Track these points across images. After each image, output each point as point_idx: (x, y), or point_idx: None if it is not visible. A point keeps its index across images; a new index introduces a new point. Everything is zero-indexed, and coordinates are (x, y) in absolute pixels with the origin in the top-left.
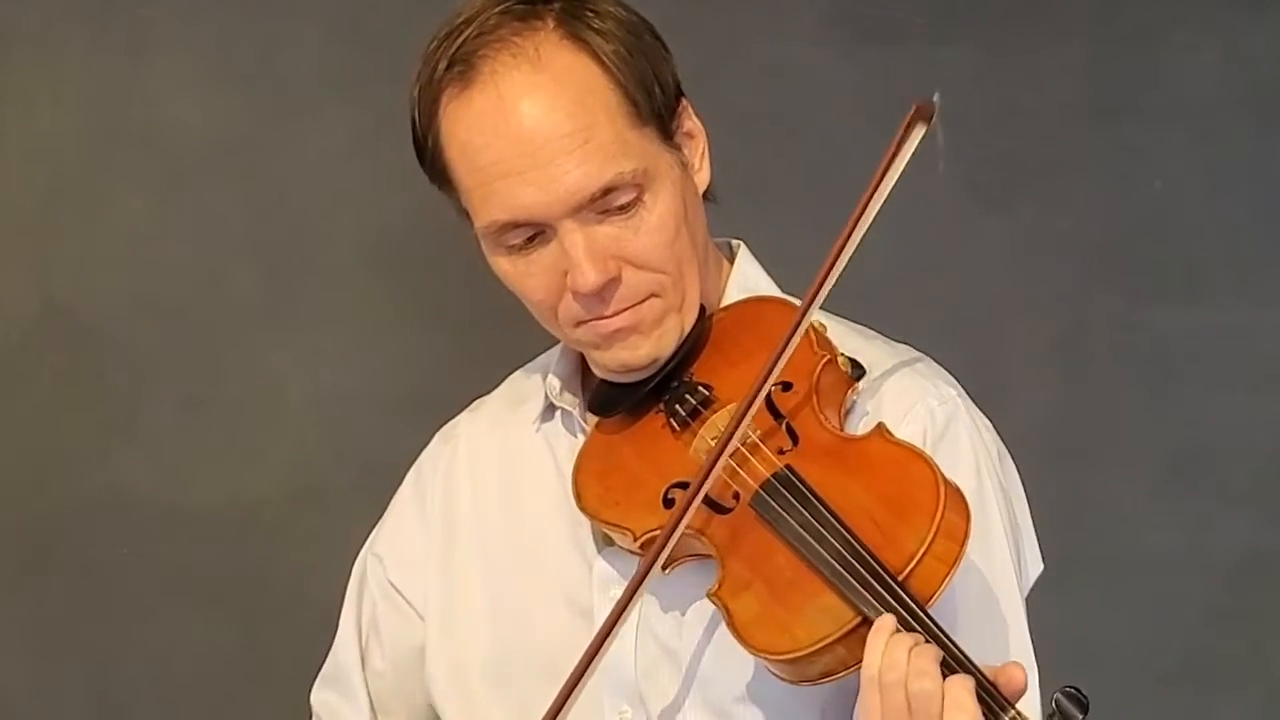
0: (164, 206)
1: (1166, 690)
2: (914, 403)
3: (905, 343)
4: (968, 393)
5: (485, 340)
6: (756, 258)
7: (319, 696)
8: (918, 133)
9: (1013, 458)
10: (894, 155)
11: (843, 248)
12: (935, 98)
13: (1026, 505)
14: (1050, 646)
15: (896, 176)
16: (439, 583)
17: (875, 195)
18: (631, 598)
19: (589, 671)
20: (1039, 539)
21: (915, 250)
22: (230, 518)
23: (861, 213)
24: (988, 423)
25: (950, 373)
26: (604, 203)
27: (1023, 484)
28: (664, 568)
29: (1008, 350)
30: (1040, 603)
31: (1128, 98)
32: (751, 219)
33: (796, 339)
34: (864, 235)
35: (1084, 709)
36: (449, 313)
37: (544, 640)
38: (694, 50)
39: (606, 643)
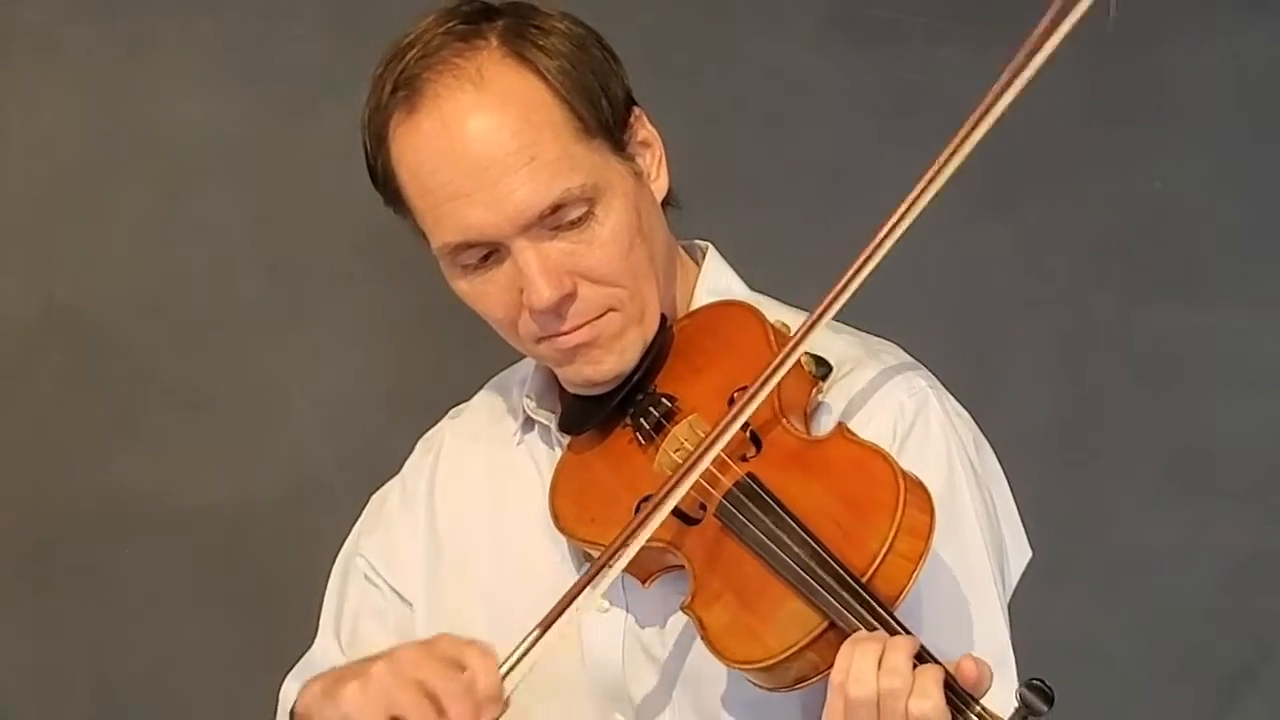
0: (164, 206)
1: (1166, 690)
2: (883, 396)
3: (887, 338)
4: (969, 392)
5: (485, 340)
6: (752, 256)
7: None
8: None
9: (1013, 458)
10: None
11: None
12: None
13: (1009, 494)
14: (1050, 646)
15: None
16: (426, 590)
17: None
18: (578, 593)
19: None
20: (1040, 538)
21: (915, 251)
22: (230, 518)
23: (987, 114)
24: (962, 411)
25: (951, 372)
26: (555, 219)
27: (1024, 483)
28: (643, 581)
29: (1008, 350)
30: (1040, 602)
31: (1128, 98)
32: (748, 218)
33: (781, 374)
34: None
35: (1049, 700)
36: (448, 313)
37: None
38: (693, 51)
39: (554, 622)
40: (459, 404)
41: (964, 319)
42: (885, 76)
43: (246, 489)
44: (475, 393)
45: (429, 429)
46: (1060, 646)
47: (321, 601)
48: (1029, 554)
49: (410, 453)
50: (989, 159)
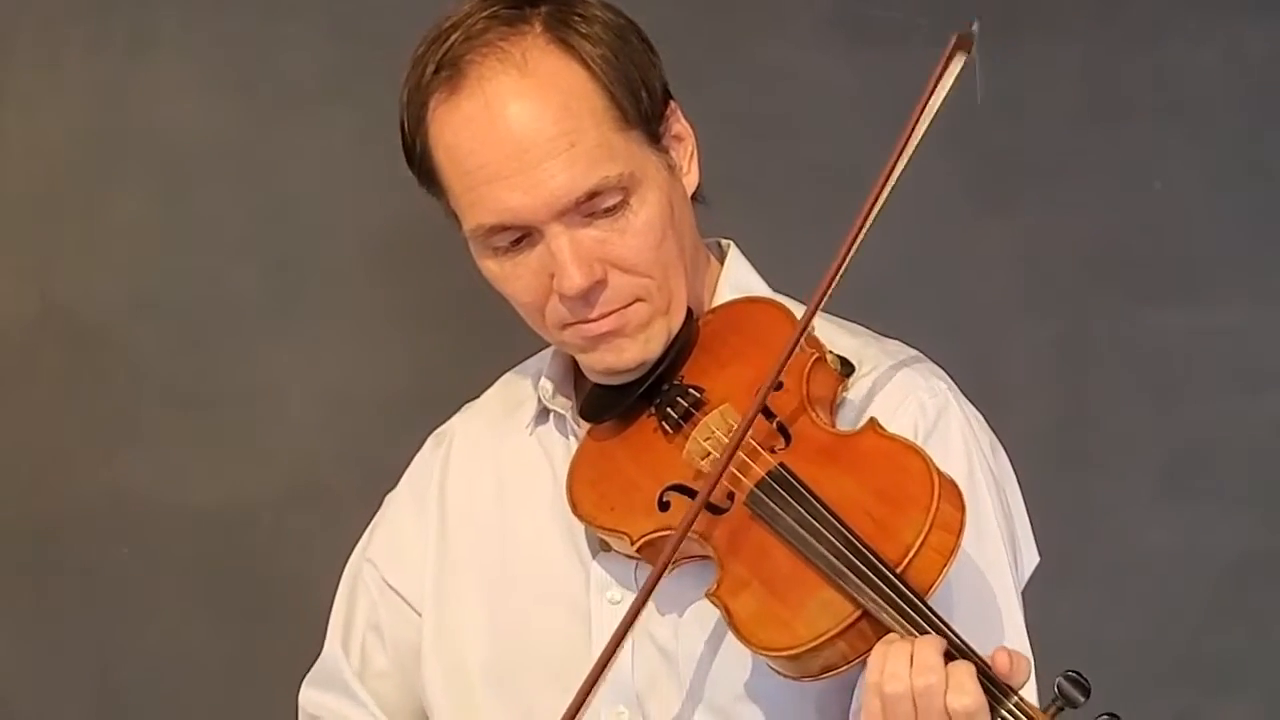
0: (164, 206)
1: (1166, 690)
2: (904, 397)
3: (898, 339)
4: (969, 393)
5: (485, 340)
6: (756, 258)
7: (315, 697)
8: (958, 62)
9: (1013, 458)
10: (935, 85)
11: (864, 224)
12: (974, 26)
13: (1020, 497)
14: (1051, 646)
15: (935, 110)
16: (435, 585)
17: (916, 129)
18: (638, 613)
19: (596, 688)
20: (1039, 538)
21: (916, 251)
22: (230, 518)
23: (898, 158)
24: (978, 415)
25: (951, 373)
26: (590, 206)
27: (1023, 484)
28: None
29: (1008, 350)
30: (1040, 602)
31: (1128, 98)
32: (751, 219)
33: (801, 340)
34: (870, 231)
35: (1086, 692)
36: (449, 313)
37: (543, 644)
38: (694, 50)
39: (614, 658)
40: (462, 403)
41: (964, 319)
42: (885, 77)
43: (245, 489)
44: (477, 392)
45: (429, 429)
46: (1059, 646)
47: (328, 602)
48: (1037, 558)
49: (417, 450)
50: (989, 159)
